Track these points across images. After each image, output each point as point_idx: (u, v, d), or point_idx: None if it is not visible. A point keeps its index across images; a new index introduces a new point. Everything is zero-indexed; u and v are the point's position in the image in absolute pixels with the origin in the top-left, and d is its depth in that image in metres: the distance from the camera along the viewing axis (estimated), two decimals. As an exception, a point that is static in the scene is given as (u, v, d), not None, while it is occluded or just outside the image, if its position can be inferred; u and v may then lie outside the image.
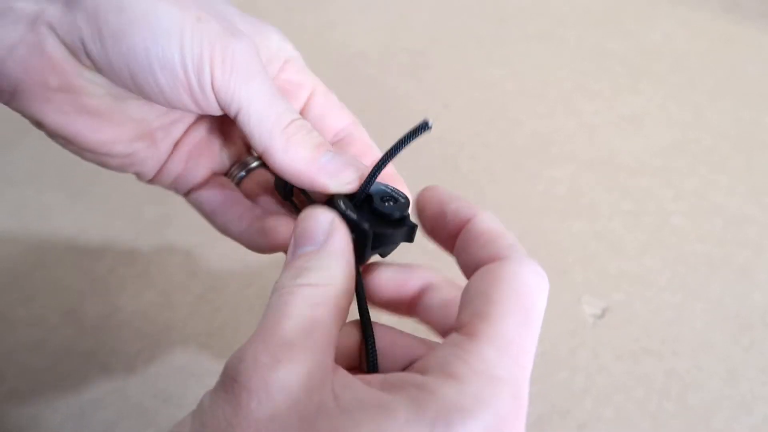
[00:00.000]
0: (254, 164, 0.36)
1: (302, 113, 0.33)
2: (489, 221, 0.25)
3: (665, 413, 0.46)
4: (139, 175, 0.35)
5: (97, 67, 0.28)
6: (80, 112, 0.29)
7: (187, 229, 0.58)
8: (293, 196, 0.33)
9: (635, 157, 0.64)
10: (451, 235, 0.26)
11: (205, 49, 0.26)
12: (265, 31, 0.32)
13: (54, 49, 0.27)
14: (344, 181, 0.28)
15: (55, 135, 0.30)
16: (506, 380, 0.20)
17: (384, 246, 0.28)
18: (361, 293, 0.28)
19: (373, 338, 0.27)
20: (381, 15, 0.84)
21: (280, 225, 0.32)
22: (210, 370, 0.49)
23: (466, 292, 0.23)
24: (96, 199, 0.60)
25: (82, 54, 0.27)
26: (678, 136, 0.66)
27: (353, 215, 0.27)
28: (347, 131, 0.34)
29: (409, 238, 0.29)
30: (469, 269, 0.24)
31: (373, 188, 0.29)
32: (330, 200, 0.28)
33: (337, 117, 0.34)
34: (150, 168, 0.34)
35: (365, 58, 0.77)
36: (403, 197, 0.29)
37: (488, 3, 0.84)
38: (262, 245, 0.33)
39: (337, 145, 0.34)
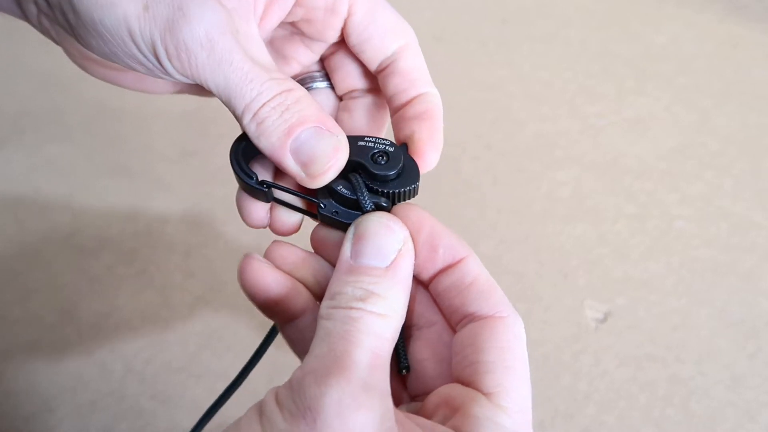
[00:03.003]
0: (317, 84, 0.32)
1: (344, 32, 0.29)
2: (479, 266, 0.26)
3: (668, 420, 0.46)
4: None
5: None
6: (108, 68, 0.29)
7: (187, 229, 0.57)
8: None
9: (640, 160, 0.63)
10: (436, 269, 0.26)
11: (157, 42, 0.24)
12: None
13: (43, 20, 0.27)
14: (314, 174, 0.26)
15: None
16: None
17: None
18: None
19: (403, 338, 0.27)
20: (384, 14, 0.83)
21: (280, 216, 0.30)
22: (209, 371, 0.49)
23: (470, 345, 0.25)
24: (94, 197, 0.60)
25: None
26: (683, 140, 0.65)
27: (365, 199, 0.27)
28: (392, 59, 0.29)
29: (417, 178, 0.28)
30: (456, 313, 0.26)
31: (356, 149, 0.28)
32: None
33: (380, 43, 0.29)
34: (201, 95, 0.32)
35: (368, 58, 0.76)
36: (389, 145, 0.28)
37: (492, 3, 0.84)
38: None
39: (383, 74, 0.30)
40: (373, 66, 0.30)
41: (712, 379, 0.48)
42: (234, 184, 0.52)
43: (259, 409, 0.22)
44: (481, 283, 0.25)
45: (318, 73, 0.32)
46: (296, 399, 0.21)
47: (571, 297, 0.52)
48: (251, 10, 0.26)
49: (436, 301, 0.27)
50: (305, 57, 0.31)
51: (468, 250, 0.26)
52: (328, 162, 0.26)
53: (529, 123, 0.67)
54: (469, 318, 0.25)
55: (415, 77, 0.29)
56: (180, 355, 0.49)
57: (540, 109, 0.69)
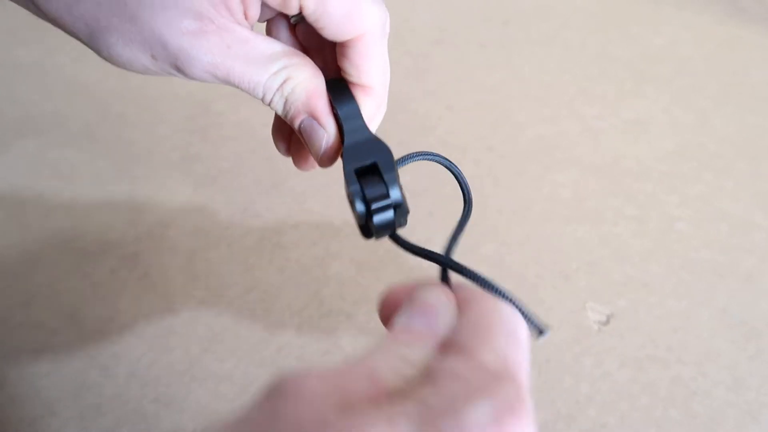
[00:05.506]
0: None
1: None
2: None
3: (670, 421, 0.46)
4: None
5: None
6: None
7: (189, 233, 0.57)
8: None
9: (640, 162, 0.63)
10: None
11: (172, 73, 0.30)
12: None
13: None
14: (315, 150, 0.32)
15: None
16: None
17: None
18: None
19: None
20: (384, 17, 0.83)
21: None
22: (212, 375, 0.49)
23: None
24: (96, 200, 0.60)
25: None
26: (683, 141, 0.66)
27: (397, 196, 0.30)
28: (346, 47, 0.32)
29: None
30: None
31: (374, 148, 0.30)
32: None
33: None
34: None
35: (368, 61, 0.76)
36: (383, 151, 0.30)
37: (492, 6, 0.84)
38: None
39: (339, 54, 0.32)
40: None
41: (713, 380, 0.48)
42: (235, 188, 0.53)
43: None
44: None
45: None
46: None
47: (572, 299, 0.53)
48: (232, 20, 0.30)
49: None
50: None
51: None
52: (318, 154, 0.32)
53: (529, 125, 0.68)
54: None
55: (363, 71, 0.32)
56: (183, 359, 0.50)
57: (540, 111, 0.69)
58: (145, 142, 0.65)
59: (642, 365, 0.49)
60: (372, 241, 0.32)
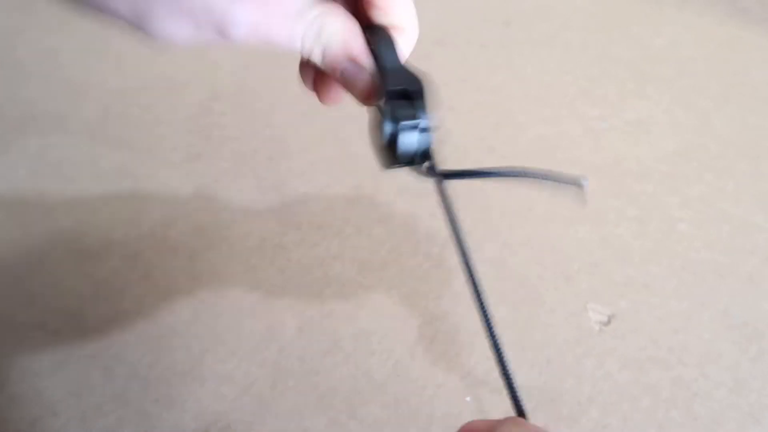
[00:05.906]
0: None
1: None
2: None
3: (672, 422, 0.46)
4: None
5: None
6: None
7: (191, 233, 0.57)
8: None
9: (641, 163, 0.63)
10: None
11: (212, 41, 0.30)
12: None
13: None
14: (358, 90, 0.32)
15: None
16: None
17: None
18: None
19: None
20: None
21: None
22: (213, 375, 0.49)
23: None
24: (98, 201, 0.60)
25: None
26: (684, 142, 0.66)
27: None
28: None
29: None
30: None
31: (405, 78, 0.31)
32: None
33: None
34: None
35: (369, 61, 0.76)
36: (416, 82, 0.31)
37: (493, 7, 0.84)
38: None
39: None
40: None
41: (714, 381, 0.48)
42: (236, 188, 0.53)
43: None
44: None
45: None
46: None
47: (574, 300, 0.52)
48: None
49: None
50: None
51: None
52: (363, 95, 0.32)
53: (530, 126, 0.68)
54: None
55: (391, 14, 0.33)
56: (184, 359, 0.49)
57: (541, 111, 0.69)
58: (147, 142, 0.65)
59: (643, 366, 0.49)
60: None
